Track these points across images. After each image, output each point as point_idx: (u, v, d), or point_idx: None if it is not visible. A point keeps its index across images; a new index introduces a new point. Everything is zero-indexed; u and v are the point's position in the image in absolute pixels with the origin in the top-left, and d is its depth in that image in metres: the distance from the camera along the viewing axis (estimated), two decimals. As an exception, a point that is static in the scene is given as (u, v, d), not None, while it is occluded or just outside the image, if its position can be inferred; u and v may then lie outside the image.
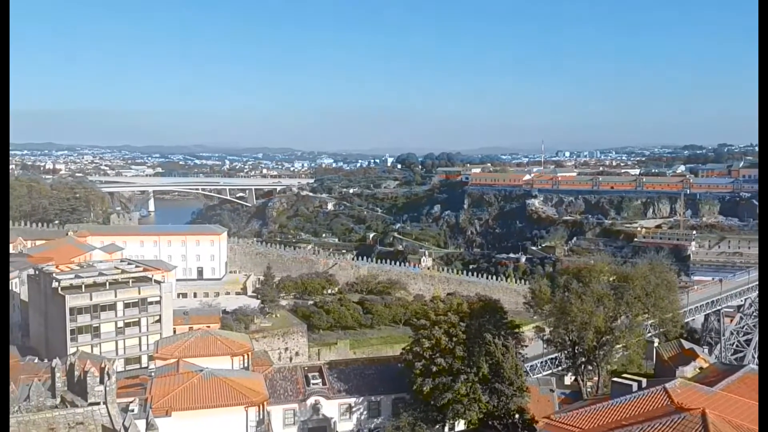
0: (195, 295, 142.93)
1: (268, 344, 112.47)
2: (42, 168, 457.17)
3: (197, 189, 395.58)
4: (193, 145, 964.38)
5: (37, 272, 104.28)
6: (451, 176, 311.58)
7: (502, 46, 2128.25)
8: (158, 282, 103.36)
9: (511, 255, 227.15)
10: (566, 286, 64.34)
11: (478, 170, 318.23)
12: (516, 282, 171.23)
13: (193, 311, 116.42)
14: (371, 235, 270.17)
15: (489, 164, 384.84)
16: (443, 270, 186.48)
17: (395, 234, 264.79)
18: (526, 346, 72.18)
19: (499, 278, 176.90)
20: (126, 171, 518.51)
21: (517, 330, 66.26)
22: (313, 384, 66.27)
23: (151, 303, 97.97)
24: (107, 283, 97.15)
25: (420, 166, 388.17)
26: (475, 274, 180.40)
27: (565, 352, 68.03)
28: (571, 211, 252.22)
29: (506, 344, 61.61)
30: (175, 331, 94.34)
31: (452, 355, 61.01)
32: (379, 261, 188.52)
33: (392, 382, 66.59)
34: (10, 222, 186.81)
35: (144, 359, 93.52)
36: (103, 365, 28.77)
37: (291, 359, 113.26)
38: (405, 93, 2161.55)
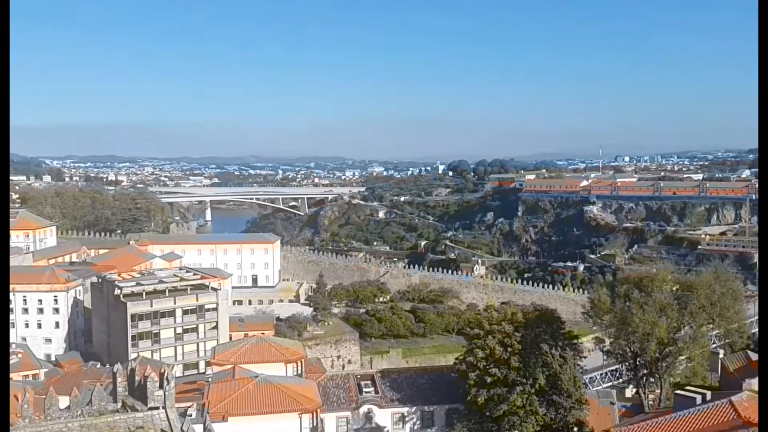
0: (250, 303, 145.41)
1: (321, 352, 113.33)
2: (105, 179, 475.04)
3: (251, 198, 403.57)
4: (247, 155, 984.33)
5: (100, 280, 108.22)
6: (504, 183, 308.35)
7: (555, 49, 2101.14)
8: (215, 289, 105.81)
9: (569, 263, 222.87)
10: (627, 296, 62.86)
11: (532, 176, 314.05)
12: (574, 291, 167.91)
13: (248, 318, 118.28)
14: (423, 243, 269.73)
15: (544, 170, 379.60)
16: (497, 278, 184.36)
17: (447, 242, 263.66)
18: (585, 358, 70.64)
19: (555, 287, 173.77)
20: (184, 182, 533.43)
21: (575, 341, 64.90)
22: (366, 392, 66.38)
23: (208, 310, 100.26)
24: (167, 291, 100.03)
25: (472, 173, 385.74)
26: (530, 283, 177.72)
27: (626, 363, 66.38)
28: (631, 218, 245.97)
29: (564, 355, 60.38)
30: (231, 338, 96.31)
31: (507, 366, 60.10)
32: (430, 269, 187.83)
33: (445, 392, 66.09)
34: (75, 232, 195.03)
35: (201, 365, 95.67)
36: (162, 370, 29.58)
37: (343, 367, 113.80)
38: (456, 100, 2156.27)
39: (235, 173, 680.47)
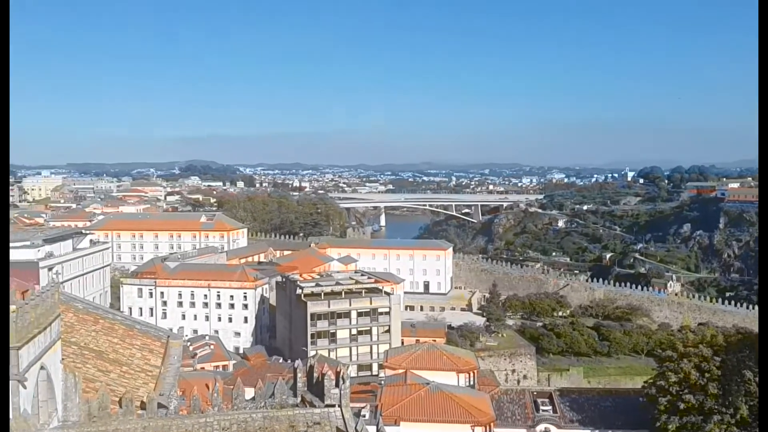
0: (421, 309, 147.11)
1: (494, 364, 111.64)
2: (290, 186, 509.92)
3: (425, 205, 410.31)
4: (421, 162, 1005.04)
5: (284, 280, 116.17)
6: (703, 191, 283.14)
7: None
8: (388, 294, 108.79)
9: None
10: None
11: (736, 185, 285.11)
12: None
13: (419, 324, 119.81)
14: (608, 256, 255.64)
15: (750, 178, 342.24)
16: (694, 297, 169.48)
17: (636, 255, 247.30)
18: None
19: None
20: (361, 188, 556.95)
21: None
22: (543, 410, 64.14)
23: (381, 313, 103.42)
24: (343, 293, 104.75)
25: (666, 181, 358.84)
26: (732, 302, 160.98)
27: None
28: None
29: (773, 385, 53.84)
30: (402, 342, 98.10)
31: (704, 393, 55.00)
32: (616, 284, 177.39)
33: (631, 417, 61.86)
34: (263, 234, 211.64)
35: (374, 367, 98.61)
36: (338, 369, 30.61)
37: (518, 382, 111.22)
38: (647, 101, 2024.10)
39: (409, 180, 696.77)
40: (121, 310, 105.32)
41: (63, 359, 29.50)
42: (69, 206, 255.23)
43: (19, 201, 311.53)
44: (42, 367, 26.33)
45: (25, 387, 23.95)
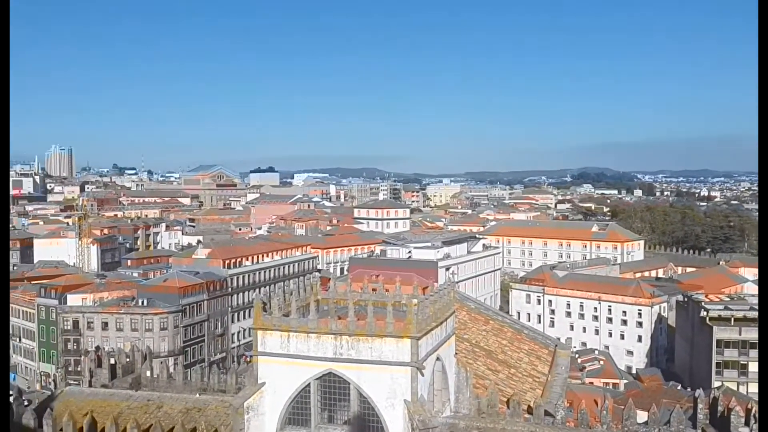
0: None
1: None
2: (696, 195, 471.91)
3: None
4: None
5: (685, 299, 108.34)
6: None
7: None
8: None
9: None
10: None
11: None
12: None
13: None
14: None
15: None
16: None
17: None
18: None
19: None
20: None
21: None
22: None
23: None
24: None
25: None
26: None
27: None
28: None
29: None
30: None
31: None
32: None
33: None
34: (662, 247, 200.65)
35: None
36: (749, 406, 27.21)
37: None
38: None
39: None
40: (510, 313, 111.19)
41: (456, 353, 32.51)
42: (465, 212, 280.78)
43: (423, 206, 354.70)
44: (438, 359, 29.48)
45: (422, 374, 27.13)
